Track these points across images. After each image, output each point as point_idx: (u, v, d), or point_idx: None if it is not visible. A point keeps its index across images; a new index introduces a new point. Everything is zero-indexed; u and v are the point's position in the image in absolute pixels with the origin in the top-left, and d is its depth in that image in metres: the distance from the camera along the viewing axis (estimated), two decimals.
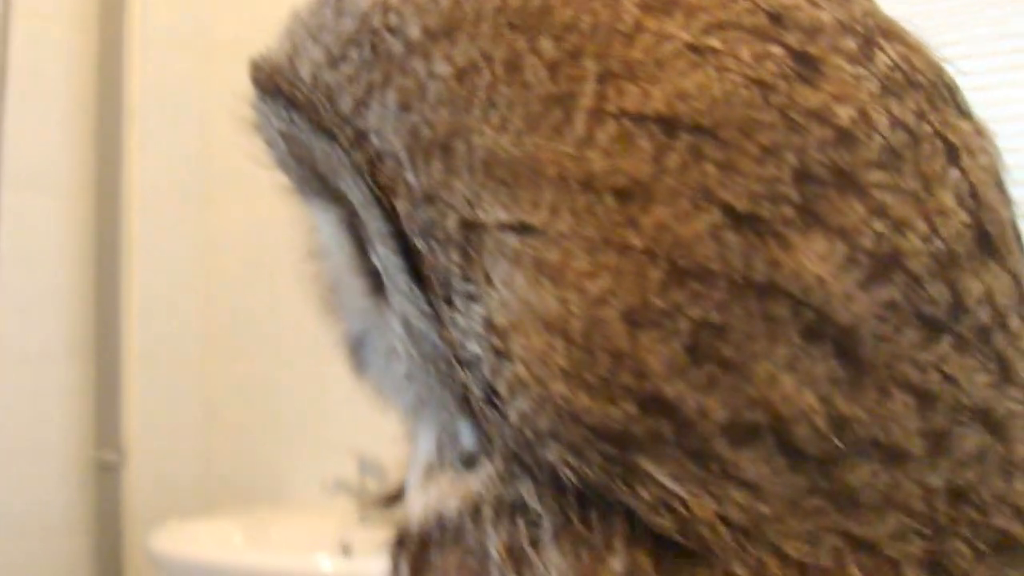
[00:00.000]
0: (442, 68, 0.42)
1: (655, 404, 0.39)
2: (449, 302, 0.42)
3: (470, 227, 0.41)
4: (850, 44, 0.41)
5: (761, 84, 0.40)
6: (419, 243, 0.42)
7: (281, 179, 0.52)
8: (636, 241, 0.39)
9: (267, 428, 3.08)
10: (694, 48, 0.40)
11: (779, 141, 0.39)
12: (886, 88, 0.41)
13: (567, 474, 0.40)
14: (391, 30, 0.43)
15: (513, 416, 0.41)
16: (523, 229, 0.40)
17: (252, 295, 3.10)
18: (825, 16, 0.42)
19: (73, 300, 3.02)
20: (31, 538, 2.87)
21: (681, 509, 0.39)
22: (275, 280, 3.04)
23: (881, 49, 0.42)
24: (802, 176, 0.39)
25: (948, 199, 0.41)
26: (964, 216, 0.41)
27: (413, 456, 0.51)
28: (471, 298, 0.41)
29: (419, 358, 0.46)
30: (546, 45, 0.41)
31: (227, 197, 3.16)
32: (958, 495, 0.41)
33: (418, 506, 0.47)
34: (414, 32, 0.42)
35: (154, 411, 3.10)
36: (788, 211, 0.39)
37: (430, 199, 0.42)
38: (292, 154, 0.49)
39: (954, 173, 0.41)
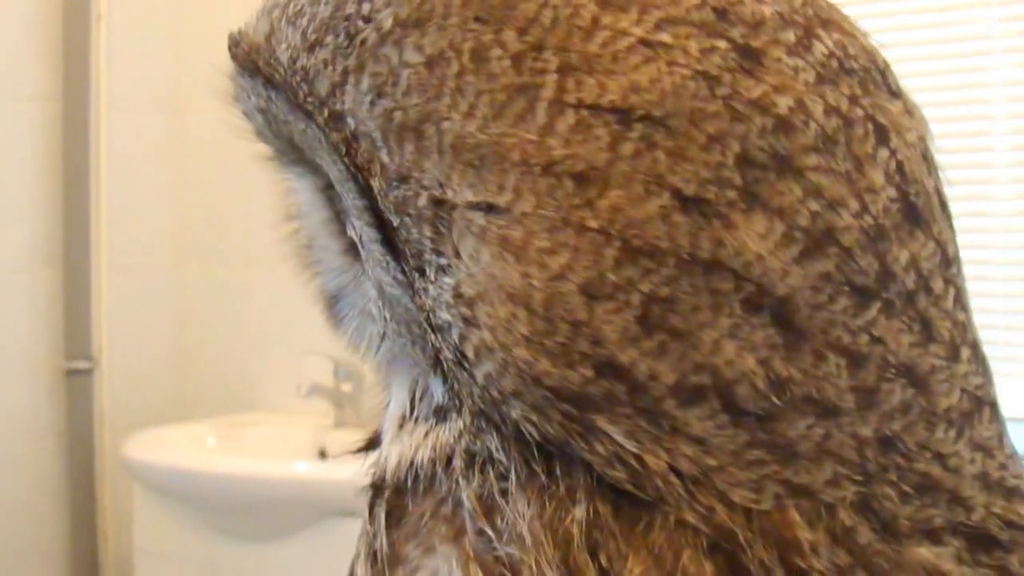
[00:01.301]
0: (413, 57, 0.45)
1: (609, 369, 0.43)
2: (421, 272, 0.46)
3: (440, 205, 0.45)
4: (789, 36, 0.45)
5: (707, 77, 0.43)
6: (393, 218, 0.46)
7: (258, 147, 0.56)
8: (593, 222, 0.43)
9: (241, 333, 3.09)
10: (646, 43, 0.44)
11: (724, 130, 0.43)
12: (821, 76, 0.45)
13: (530, 430, 0.45)
14: (364, 18, 0.46)
15: (480, 377, 0.45)
16: (489, 209, 0.44)
17: (224, 200, 3.09)
18: (767, 10, 0.45)
19: (42, 208, 2.99)
20: (2, 446, 2.88)
21: (634, 463, 0.44)
22: (247, 185, 2.97)
23: (818, 39, 0.46)
24: (744, 162, 0.43)
25: (878, 177, 0.45)
26: (892, 192, 0.45)
27: (386, 407, 0.55)
28: (441, 270, 0.45)
29: (392, 321, 0.51)
30: (510, 38, 0.44)
31: (198, 102, 3.09)
32: (886, 444, 0.45)
33: (393, 455, 0.51)
34: (387, 22, 0.45)
35: (126, 318, 3.09)
36: (731, 194, 0.43)
37: (403, 178, 0.45)
38: (270, 127, 0.53)
39: (883, 152, 0.45)
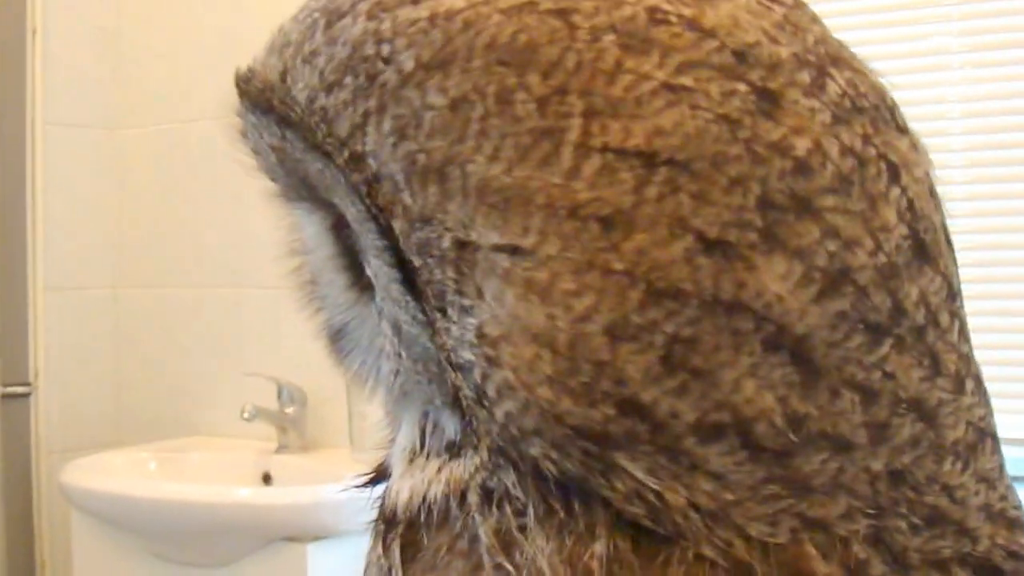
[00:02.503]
0: (436, 99, 0.45)
1: (632, 407, 0.44)
2: (443, 312, 0.47)
3: (464, 247, 0.45)
4: (805, 77, 0.46)
5: (728, 120, 0.44)
6: (415, 259, 0.47)
7: (265, 184, 0.56)
8: (618, 264, 0.44)
9: (181, 356, 3.07)
10: (669, 87, 0.45)
11: (745, 172, 0.44)
12: (836, 117, 0.46)
13: (549, 468, 0.46)
14: (385, 60, 0.47)
15: (500, 415, 0.46)
16: (514, 251, 0.44)
17: (164, 219, 3.07)
18: (783, 51, 0.46)
19: None
20: None
21: (654, 499, 0.45)
22: (187, 204, 3.01)
23: (831, 78, 0.47)
24: (765, 204, 0.44)
25: (890, 215, 0.46)
26: (904, 229, 0.46)
27: (395, 441, 0.56)
28: (464, 310, 0.46)
29: (408, 359, 0.51)
30: (534, 81, 0.45)
31: (137, 119, 3.12)
32: (897, 477, 0.47)
33: (404, 489, 0.52)
34: (408, 63, 0.46)
35: (63, 340, 3.06)
36: (752, 236, 0.44)
37: (426, 220, 0.46)
38: (281, 165, 0.53)
39: (895, 191, 0.47)
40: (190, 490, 2.50)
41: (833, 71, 0.47)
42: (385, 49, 0.47)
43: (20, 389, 2.97)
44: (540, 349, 0.44)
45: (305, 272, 0.60)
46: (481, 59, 0.45)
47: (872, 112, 0.47)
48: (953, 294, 0.49)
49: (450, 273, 0.46)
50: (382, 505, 0.53)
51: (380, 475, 0.57)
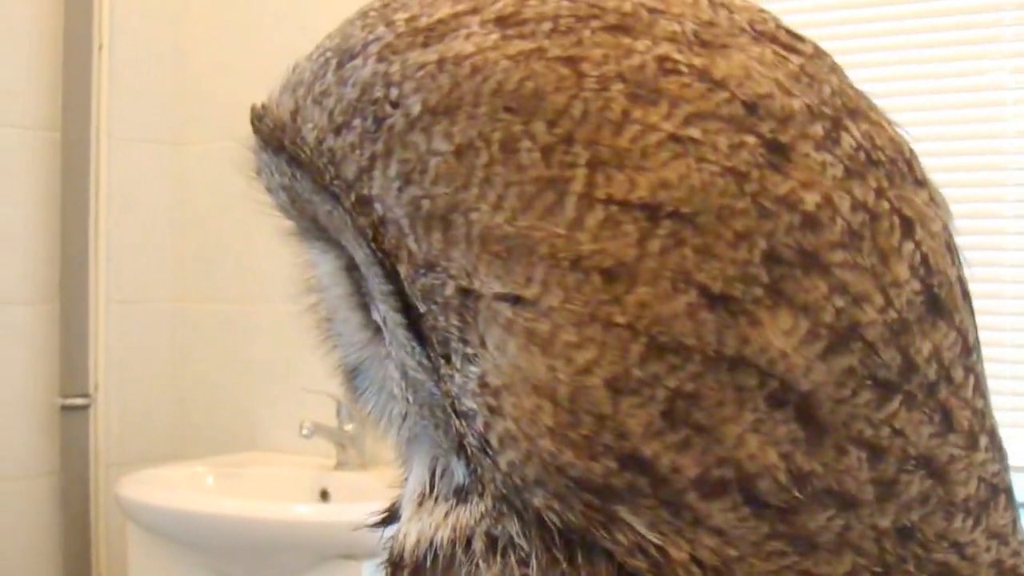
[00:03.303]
0: (441, 145, 0.45)
1: (633, 461, 0.44)
2: (447, 359, 0.46)
3: (467, 295, 0.45)
4: (818, 129, 0.45)
5: (736, 173, 0.44)
6: (420, 305, 0.47)
7: (280, 222, 0.57)
8: (620, 318, 0.43)
9: (241, 371, 3.08)
10: (676, 138, 0.44)
11: (751, 227, 0.43)
12: (849, 170, 0.45)
13: (551, 518, 0.45)
14: (392, 103, 0.46)
15: (503, 464, 0.46)
16: (516, 301, 0.44)
17: (226, 234, 3.08)
18: (796, 103, 0.46)
19: (40, 241, 2.98)
20: None
21: (656, 553, 0.45)
22: (249, 219, 2.96)
23: (847, 130, 0.46)
24: (771, 258, 0.44)
25: (902, 270, 0.45)
26: (916, 284, 0.46)
27: (405, 483, 0.55)
28: (467, 359, 0.46)
29: (415, 403, 0.51)
30: (540, 129, 0.44)
31: (200, 135, 3.14)
32: (904, 535, 0.46)
33: (412, 533, 0.51)
34: (415, 108, 0.46)
35: (124, 353, 3.08)
36: (758, 291, 0.43)
37: (430, 266, 0.46)
38: (293, 204, 0.53)
39: (908, 245, 0.46)
40: (247, 506, 2.50)
41: (849, 123, 0.47)
42: (393, 92, 0.47)
43: (80, 401, 2.99)
44: (541, 400, 0.44)
45: (321, 309, 0.60)
46: (487, 105, 0.45)
47: (888, 165, 0.47)
48: (969, 349, 0.48)
49: (454, 320, 0.46)
50: (391, 547, 0.53)
51: (392, 515, 0.57)
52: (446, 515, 0.50)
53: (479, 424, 0.46)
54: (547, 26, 0.46)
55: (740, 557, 0.45)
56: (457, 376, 0.46)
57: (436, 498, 0.51)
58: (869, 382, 0.44)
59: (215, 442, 3.04)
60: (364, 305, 0.55)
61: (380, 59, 0.47)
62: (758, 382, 0.44)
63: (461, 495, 0.50)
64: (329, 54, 0.50)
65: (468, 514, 0.49)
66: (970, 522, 0.47)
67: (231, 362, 3.10)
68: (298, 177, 0.51)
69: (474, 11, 0.47)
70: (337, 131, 0.48)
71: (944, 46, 2.31)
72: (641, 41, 0.45)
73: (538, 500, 0.46)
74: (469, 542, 0.48)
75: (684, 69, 0.45)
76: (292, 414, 2.77)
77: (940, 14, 2.32)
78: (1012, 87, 2.26)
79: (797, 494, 0.44)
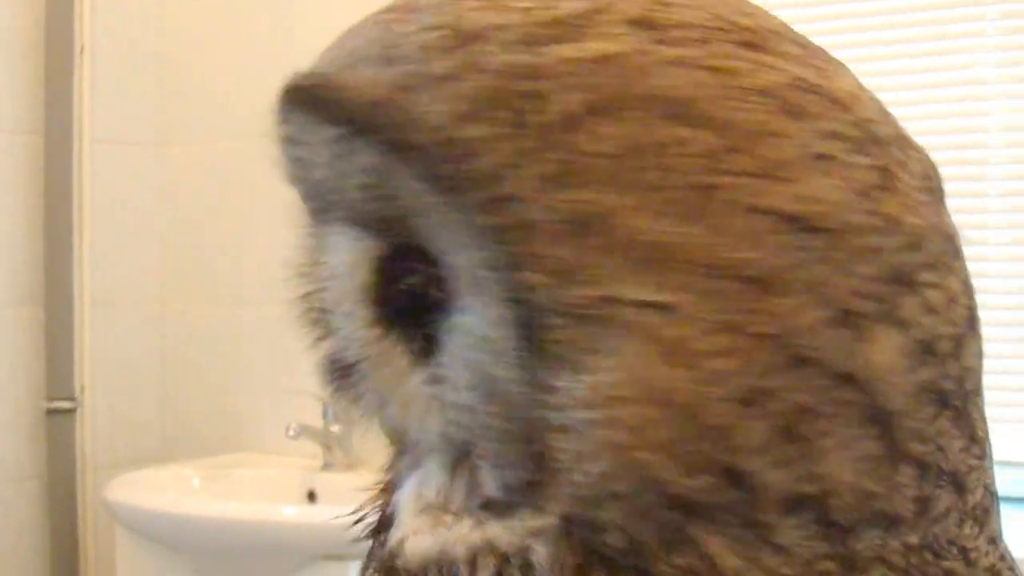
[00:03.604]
0: (598, 147, 0.43)
1: (733, 477, 0.43)
2: (557, 368, 0.44)
3: (602, 302, 0.43)
4: (902, 156, 0.47)
5: (861, 192, 0.45)
6: (543, 313, 0.44)
7: (294, 196, 0.54)
8: (754, 328, 0.43)
9: (227, 373, 3.09)
10: (818, 155, 0.44)
11: (873, 244, 0.44)
12: (925, 194, 0.47)
13: (613, 540, 0.44)
14: (540, 98, 0.44)
15: (591, 478, 0.44)
16: (651, 307, 0.43)
17: (211, 237, 3.10)
18: (889, 131, 0.47)
19: (23, 244, 2.98)
20: None
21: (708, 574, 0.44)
22: (234, 221, 3.03)
23: (911, 158, 0.48)
24: (885, 276, 0.44)
25: (957, 287, 0.47)
26: (965, 299, 0.47)
27: (404, 488, 0.53)
28: (583, 367, 0.44)
29: (485, 412, 0.48)
30: (689, 136, 0.43)
31: (183, 137, 3.15)
32: (926, 547, 0.46)
33: (422, 545, 0.49)
34: (570, 106, 0.44)
35: (110, 356, 3.08)
36: (873, 307, 0.44)
37: (568, 272, 0.44)
38: (337, 181, 0.50)
39: (958, 263, 0.48)
40: (234, 508, 2.51)
41: (911, 152, 0.48)
42: (544, 86, 0.44)
43: (66, 404, 2.99)
44: (660, 410, 0.43)
45: (319, 299, 0.55)
46: (643, 110, 0.44)
47: (938, 191, 0.48)
48: (983, 359, 0.49)
49: (579, 328, 0.44)
50: (389, 557, 0.51)
51: (385, 523, 0.54)
52: (466, 530, 0.48)
53: (579, 434, 0.44)
54: (685, 34, 0.45)
55: None
56: (567, 385, 0.44)
57: (455, 511, 0.49)
58: (933, 396, 0.45)
59: (202, 444, 3.05)
60: (380, 302, 0.52)
61: (517, 48, 0.45)
62: (859, 399, 0.44)
63: (494, 510, 0.47)
64: (438, 33, 0.46)
65: (506, 530, 0.47)
66: (976, 529, 0.48)
67: (217, 364, 3.11)
68: (391, 159, 0.46)
69: (599, 11, 0.45)
70: (470, 121, 0.44)
71: (927, 40, 2.34)
72: (772, 58, 0.46)
73: (608, 516, 0.44)
74: (505, 559, 0.47)
75: (816, 88, 0.46)
76: (278, 415, 2.78)
77: (924, 8, 2.34)
78: (995, 81, 2.28)
79: (858, 514, 0.44)
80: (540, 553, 0.46)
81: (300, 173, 0.52)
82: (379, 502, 0.55)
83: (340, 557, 2.27)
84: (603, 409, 0.43)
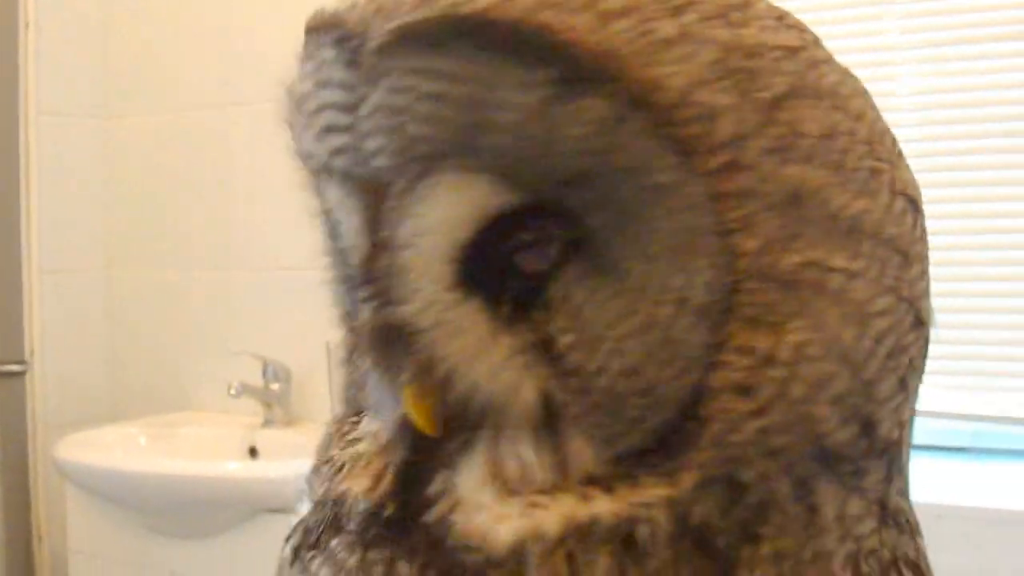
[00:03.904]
0: (810, 128, 0.47)
1: (868, 427, 0.48)
2: (749, 331, 0.46)
3: (801, 267, 0.46)
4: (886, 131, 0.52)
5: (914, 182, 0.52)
6: (752, 279, 0.46)
7: (383, 156, 0.48)
8: (905, 291, 0.49)
9: (171, 334, 3.08)
10: (901, 153, 0.52)
11: (918, 220, 0.51)
12: (901, 165, 0.52)
13: (750, 496, 0.46)
14: (754, 75, 0.46)
15: (744, 435, 0.46)
16: (841, 272, 0.47)
17: (154, 203, 3.09)
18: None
19: None
20: None
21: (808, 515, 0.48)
22: (177, 190, 3.04)
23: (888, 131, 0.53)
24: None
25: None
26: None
27: (470, 469, 0.50)
28: (773, 327, 0.46)
29: (598, 375, 0.48)
30: (859, 127, 0.49)
31: (128, 109, 3.14)
32: (901, 492, 0.53)
33: (511, 528, 0.48)
34: (779, 88, 0.46)
35: (58, 320, 3.09)
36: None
37: (773, 240, 0.46)
38: (497, 123, 0.46)
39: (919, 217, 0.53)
40: (179, 464, 2.53)
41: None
42: (758, 65, 0.46)
43: (16, 367, 3.00)
44: (840, 367, 0.46)
45: (387, 257, 0.50)
46: (819, 99, 0.47)
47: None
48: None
49: (781, 292, 0.46)
50: (461, 546, 0.48)
51: (394, 491, 0.51)
52: (574, 507, 0.47)
53: (756, 393, 0.46)
54: (810, 34, 0.50)
55: (858, 517, 0.49)
56: (758, 345, 0.46)
57: (550, 489, 0.48)
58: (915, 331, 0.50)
59: (148, 404, 3.04)
60: (467, 260, 0.49)
61: (720, 24, 0.46)
62: (927, 341, 0.51)
63: (603, 483, 0.47)
64: None
65: (615, 504, 0.47)
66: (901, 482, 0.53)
67: (161, 326, 3.09)
68: (627, 115, 0.45)
69: (747, 4, 0.48)
70: (708, 87, 0.45)
71: (835, 8, 2.34)
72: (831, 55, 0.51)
73: (755, 474, 0.46)
74: (610, 534, 0.46)
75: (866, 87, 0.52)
76: (220, 375, 2.78)
77: None
78: (904, 47, 2.29)
79: (902, 461, 0.51)
80: (653, 524, 0.46)
81: (425, 111, 0.47)
82: (378, 469, 0.52)
83: (281, 510, 2.29)
84: (792, 366, 0.46)
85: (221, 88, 2.92)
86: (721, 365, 0.46)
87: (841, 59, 0.51)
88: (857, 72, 0.51)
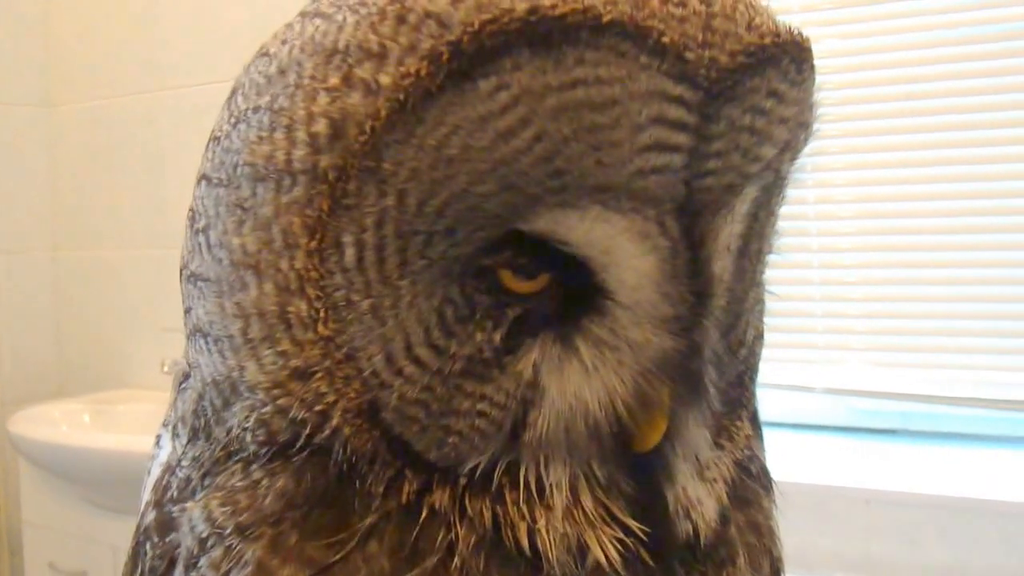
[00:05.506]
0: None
1: None
2: None
3: None
4: None
5: None
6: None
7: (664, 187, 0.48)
8: None
9: (111, 314, 3.11)
10: None
11: None
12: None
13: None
14: None
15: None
16: None
17: (96, 188, 3.12)
18: None
19: None
20: None
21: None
22: (116, 175, 3.07)
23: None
24: None
25: None
26: None
27: (683, 463, 0.53)
28: None
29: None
30: None
31: (70, 96, 3.17)
32: None
33: (713, 509, 0.55)
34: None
35: (8, 301, 3.13)
36: None
37: None
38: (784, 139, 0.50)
39: None
40: (119, 440, 2.55)
41: None
42: None
43: None
44: None
45: (714, 285, 0.51)
46: None
47: None
48: None
49: None
50: (676, 528, 0.53)
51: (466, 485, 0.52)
52: (728, 483, 0.55)
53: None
54: None
55: None
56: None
57: (713, 470, 0.54)
58: None
59: (93, 381, 3.08)
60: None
61: None
62: None
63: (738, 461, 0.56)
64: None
65: (734, 470, 0.55)
66: None
67: (103, 306, 3.12)
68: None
69: None
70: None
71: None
72: None
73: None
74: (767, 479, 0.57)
75: None
76: (156, 353, 2.82)
77: None
78: (799, 11, 2.25)
79: None
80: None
81: (778, 134, 0.48)
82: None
83: None
84: None
85: (153, 73, 2.94)
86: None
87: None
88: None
